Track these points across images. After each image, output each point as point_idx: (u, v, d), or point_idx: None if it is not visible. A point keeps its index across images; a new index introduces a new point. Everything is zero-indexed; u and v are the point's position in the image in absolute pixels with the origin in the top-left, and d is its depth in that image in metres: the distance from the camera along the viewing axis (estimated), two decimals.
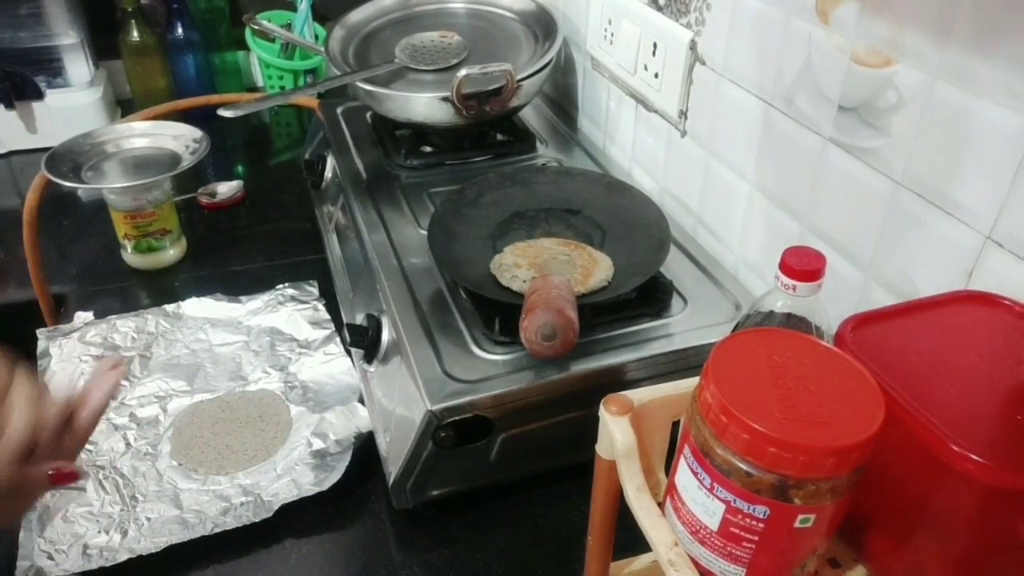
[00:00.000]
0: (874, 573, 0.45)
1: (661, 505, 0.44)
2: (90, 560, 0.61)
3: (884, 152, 0.58)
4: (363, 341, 0.72)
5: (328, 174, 1.01)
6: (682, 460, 0.41)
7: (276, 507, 0.65)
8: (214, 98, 1.21)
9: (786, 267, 0.45)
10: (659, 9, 0.85)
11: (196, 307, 0.89)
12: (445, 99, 0.90)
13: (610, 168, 0.95)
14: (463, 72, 0.88)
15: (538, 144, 1.01)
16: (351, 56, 1.04)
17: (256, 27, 1.15)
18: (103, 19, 1.33)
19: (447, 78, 0.91)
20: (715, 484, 0.39)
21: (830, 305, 0.48)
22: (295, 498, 0.65)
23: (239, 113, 0.85)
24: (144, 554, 0.61)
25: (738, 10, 0.72)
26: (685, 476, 0.41)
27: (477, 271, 0.73)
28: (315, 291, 0.91)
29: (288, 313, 0.87)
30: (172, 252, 0.99)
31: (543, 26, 1.03)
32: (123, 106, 1.40)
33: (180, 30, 1.32)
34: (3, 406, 0.45)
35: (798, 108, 0.66)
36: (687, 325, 0.69)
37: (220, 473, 0.69)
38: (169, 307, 0.89)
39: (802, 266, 0.45)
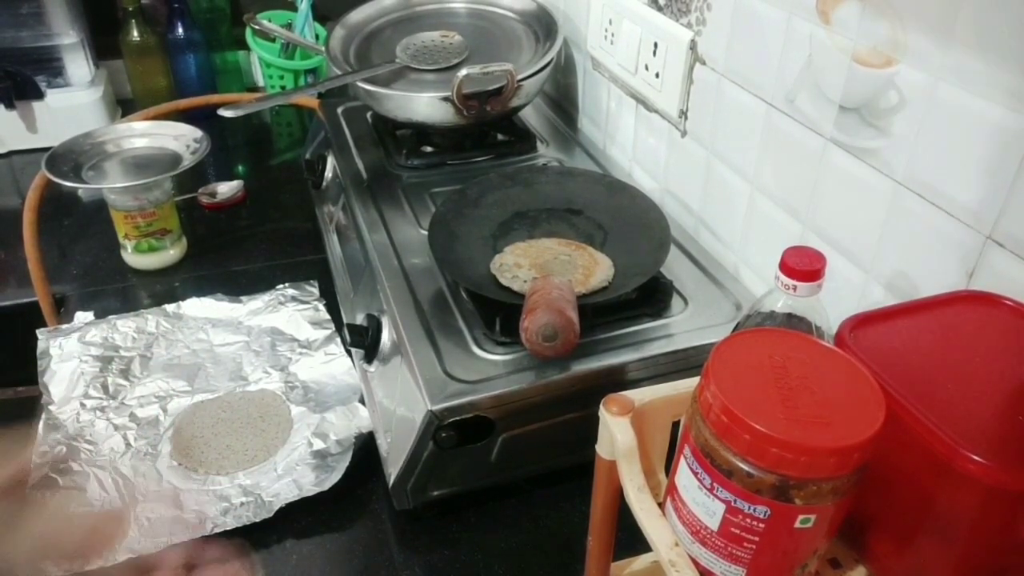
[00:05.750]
0: (875, 574, 0.45)
1: (661, 505, 0.44)
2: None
3: (885, 152, 0.58)
4: (363, 341, 0.72)
5: (329, 174, 1.01)
6: (682, 460, 0.41)
7: (276, 507, 0.65)
8: (214, 98, 1.21)
9: (786, 267, 0.45)
10: (659, 9, 0.85)
11: (196, 307, 0.89)
12: (446, 99, 0.90)
13: (611, 168, 0.95)
14: (464, 72, 0.88)
15: (539, 144, 1.01)
16: (352, 56, 1.04)
17: (257, 27, 1.15)
18: (104, 19, 1.33)
19: (448, 78, 0.91)
20: (715, 484, 0.39)
21: (830, 305, 0.48)
22: (296, 498, 0.65)
23: (239, 113, 0.85)
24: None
25: (739, 10, 0.72)
26: (685, 476, 0.41)
27: (478, 271, 0.73)
28: (315, 291, 0.91)
29: (289, 313, 0.87)
30: (172, 252, 0.99)
31: (544, 26, 1.03)
32: (123, 106, 1.40)
33: (181, 30, 1.32)
34: None
35: (799, 108, 0.66)
36: (687, 325, 0.68)
37: (220, 473, 0.69)
38: (169, 307, 0.89)
39: (802, 266, 0.45)
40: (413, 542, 0.65)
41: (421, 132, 0.98)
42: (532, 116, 1.09)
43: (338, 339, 0.83)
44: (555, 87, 1.18)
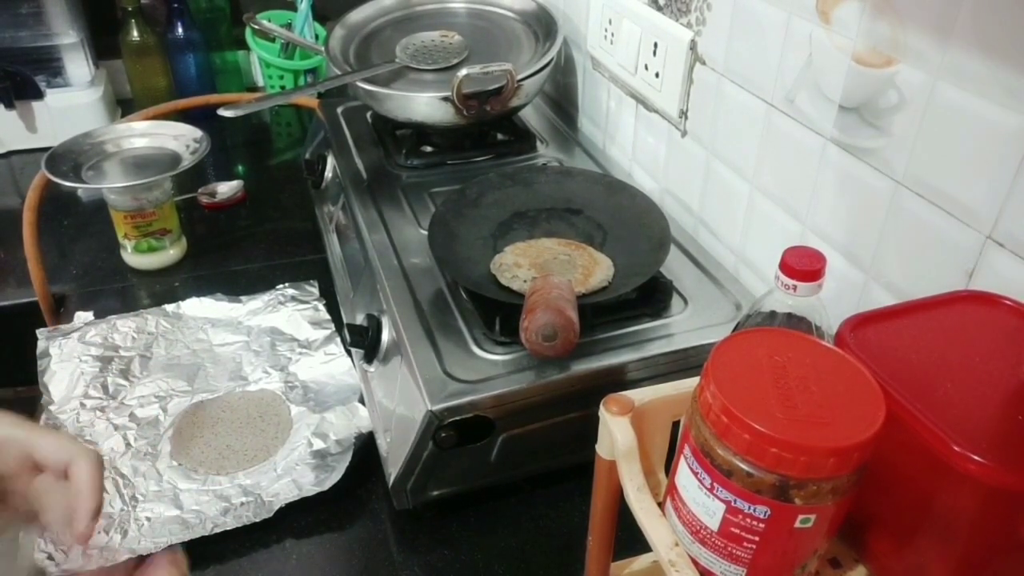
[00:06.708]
0: (875, 573, 0.45)
1: (661, 505, 0.44)
2: (90, 560, 0.60)
3: (885, 152, 0.58)
4: (363, 341, 0.72)
5: (328, 174, 1.01)
6: (682, 460, 0.41)
7: (276, 507, 0.65)
8: (214, 98, 1.21)
9: (786, 267, 0.45)
10: (659, 9, 0.85)
11: (196, 307, 0.89)
12: (446, 99, 0.90)
13: (610, 168, 0.95)
14: (464, 72, 0.88)
15: (538, 144, 1.01)
16: (351, 56, 1.03)
17: (256, 27, 1.15)
18: (103, 18, 1.33)
19: (447, 78, 0.91)
20: (715, 484, 0.39)
21: (830, 305, 0.48)
22: (295, 498, 0.65)
23: (239, 113, 0.85)
24: (144, 554, 0.61)
25: (738, 10, 0.72)
26: (685, 476, 0.41)
27: (478, 271, 0.73)
28: (315, 291, 0.91)
29: (288, 313, 0.87)
30: (172, 252, 0.99)
31: (543, 26, 1.03)
32: (123, 106, 1.40)
33: (180, 30, 1.32)
34: None
35: (799, 108, 0.66)
36: (687, 325, 0.68)
37: (220, 473, 0.69)
38: (169, 307, 0.89)
39: (802, 266, 0.45)
40: (413, 542, 0.65)
41: (421, 132, 0.98)
42: (532, 116, 1.09)
43: (338, 339, 0.83)
44: (555, 87, 1.18)
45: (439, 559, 0.64)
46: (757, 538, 0.39)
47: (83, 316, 0.88)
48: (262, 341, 0.84)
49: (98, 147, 0.97)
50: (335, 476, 0.67)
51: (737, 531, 0.39)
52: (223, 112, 0.85)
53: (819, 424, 0.36)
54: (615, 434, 0.44)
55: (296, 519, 0.66)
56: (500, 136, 1.01)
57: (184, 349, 0.83)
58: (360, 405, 0.74)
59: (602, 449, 0.46)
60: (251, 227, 1.09)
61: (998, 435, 0.37)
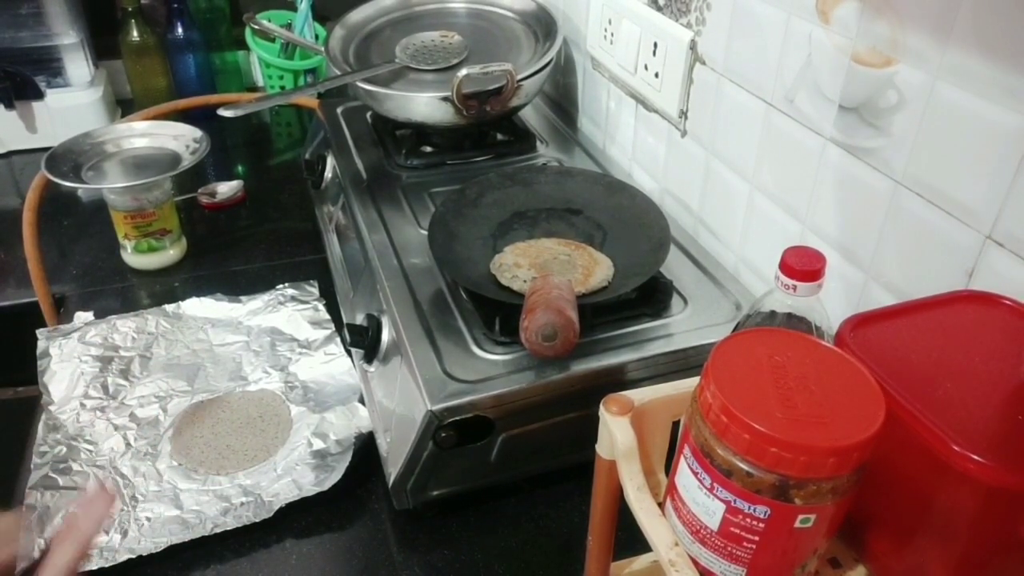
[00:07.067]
0: (874, 573, 0.45)
1: (661, 505, 0.44)
2: (90, 560, 0.60)
3: (884, 152, 0.58)
4: (363, 341, 0.72)
5: (328, 174, 1.01)
6: (682, 460, 0.41)
7: (276, 507, 0.65)
8: (214, 98, 1.21)
9: (786, 267, 0.45)
10: (659, 9, 0.85)
11: (196, 307, 0.89)
12: (445, 99, 0.90)
13: (610, 168, 0.95)
14: (463, 72, 0.88)
15: (538, 144, 1.01)
16: (351, 56, 1.04)
17: (256, 27, 1.15)
18: (103, 19, 1.33)
19: (447, 78, 0.91)
20: (715, 484, 0.39)
21: (830, 305, 0.48)
22: (295, 498, 0.65)
23: (239, 113, 0.85)
24: (144, 554, 0.61)
25: (738, 10, 0.72)
26: (685, 476, 0.41)
27: (477, 271, 0.73)
28: (315, 291, 0.91)
29: (288, 313, 0.87)
30: (172, 252, 0.99)
31: (543, 26, 1.03)
32: (123, 106, 1.40)
33: (180, 30, 1.32)
34: None
35: (798, 108, 0.66)
36: (687, 325, 0.68)
37: (220, 473, 0.69)
38: (169, 307, 0.89)
39: (802, 266, 0.45)
40: (413, 542, 0.65)
41: (421, 132, 0.98)
42: (532, 116, 1.09)
43: (338, 339, 0.83)
44: (555, 87, 1.18)
45: (439, 559, 0.64)
46: (757, 538, 0.39)
47: (83, 316, 0.88)
48: (262, 341, 0.84)
49: (98, 147, 0.97)
50: (335, 476, 0.67)
51: (737, 531, 0.39)
52: (223, 112, 0.85)
53: (819, 424, 0.36)
54: (615, 434, 0.44)
55: (296, 519, 0.66)
56: (500, 136, 1.01)
57: (184, 349, 0.83)
58: (360, 405, 0.74)
59: (602, 449, 0.46)
60: (251, 227, 1.09)
61: (998, 435, 0.38)
